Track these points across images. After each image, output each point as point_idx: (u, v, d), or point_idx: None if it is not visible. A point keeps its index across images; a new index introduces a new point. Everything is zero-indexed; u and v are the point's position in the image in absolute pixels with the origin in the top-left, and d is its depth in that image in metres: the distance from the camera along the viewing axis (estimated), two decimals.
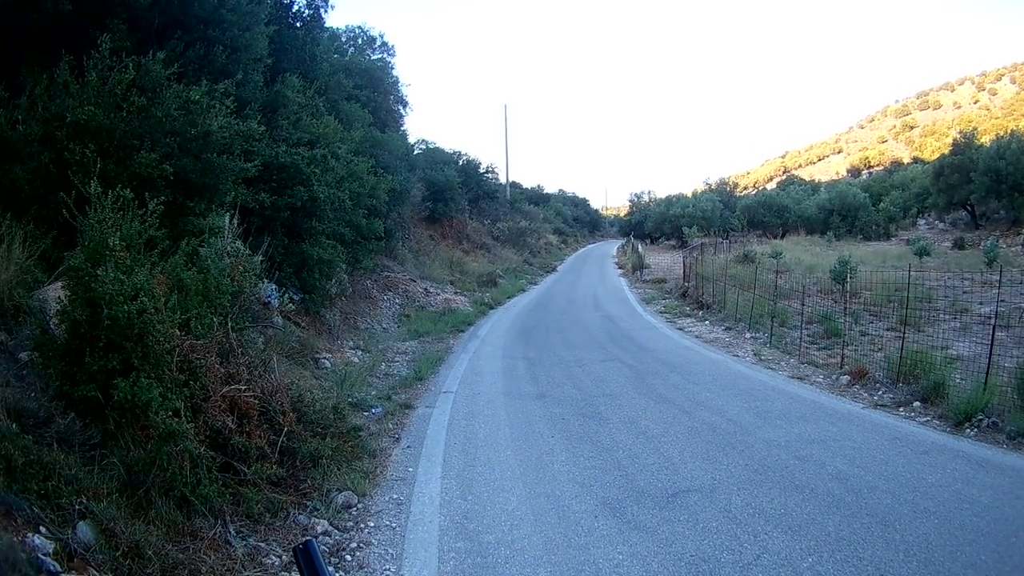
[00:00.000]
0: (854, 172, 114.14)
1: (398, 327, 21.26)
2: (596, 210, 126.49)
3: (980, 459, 8.60)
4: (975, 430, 9.73)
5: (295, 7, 19.25)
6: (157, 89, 9.63)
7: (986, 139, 51.88)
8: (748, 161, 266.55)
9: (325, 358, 13.79)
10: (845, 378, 13.02)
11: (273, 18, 16.34)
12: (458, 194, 40.94)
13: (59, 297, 6.24)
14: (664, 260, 44.77)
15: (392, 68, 35.92)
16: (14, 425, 5.18)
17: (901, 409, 11.08)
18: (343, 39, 33.24)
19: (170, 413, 5.60)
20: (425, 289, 26.82)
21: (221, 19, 12.66)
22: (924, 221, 53.01)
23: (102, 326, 5.66)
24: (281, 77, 15.74)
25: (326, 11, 20.55)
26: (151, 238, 6.92)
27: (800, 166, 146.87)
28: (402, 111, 37.46)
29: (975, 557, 5.92)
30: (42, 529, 4.57)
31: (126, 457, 5.58)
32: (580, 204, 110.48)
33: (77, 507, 4.87)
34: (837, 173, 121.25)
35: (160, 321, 6.04)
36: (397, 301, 24.09)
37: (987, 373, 10.64)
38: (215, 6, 12.55)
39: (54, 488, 4.86)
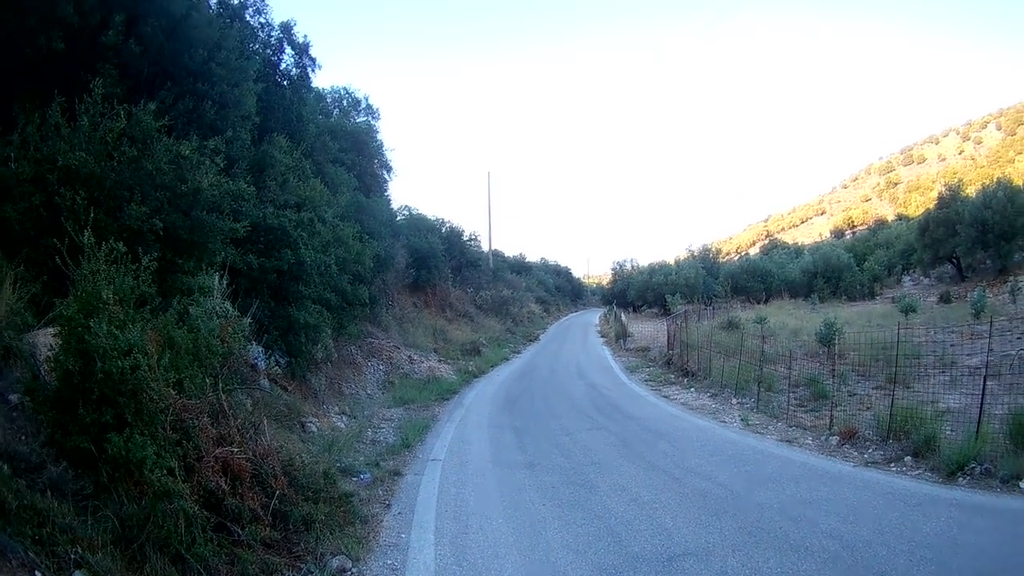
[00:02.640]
0: (838, 233, 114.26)
1: (383, 394, 21.14)
2: (578, 279, 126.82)
3: (974, 505, 8.84)
4: (968, 478, 9.93)
5: (283, 65, 19.40)
6: (148, 141, 9.64)
7: (971, 190, 52.02)
8: (731, 226, 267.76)
9: (311, 422, 13.64)
10: (835, 439, 13.06)
11: (261, 75, 16.46)
12: (441, 262, 40.92)
13: (50, 344, 6.18)
14: (647, 328, 44.74)
15: (377, 132, 35.99)
16: (6, 467, 5.13)
17: (892, 465, 11.15)
18: (328, 100, 33.22)
19: (165, 472, 5.55)
20: (409, 357, 26.68)
21: (211, 73, 12.73)
22: (909, 278, 52.84)
23: (95, 379, 5.59)
24: (268, 136, 15.79)
25: (314, 71, 20.73)
26: (143, 294, 6.84)
27: (783, 229, 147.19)
28: (386, 176, 37.49)
29: None
30: (37, 574, 4.49)
31: (119, 510, 5.48)
32: (562, 273, 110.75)
33: (72, 556, 4.80)
34: (820, 235, 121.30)
35: (154, 379, 5.97)
36: (381, 368, 23.94)
37: (979, 422, 10.80)
38: (205, 59, 12.62)
39: (48, 535, 4.79)
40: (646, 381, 25.37)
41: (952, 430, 11.58)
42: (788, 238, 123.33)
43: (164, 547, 5.50)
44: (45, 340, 6.50)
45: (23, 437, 5.73)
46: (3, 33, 9.51)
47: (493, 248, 71.29)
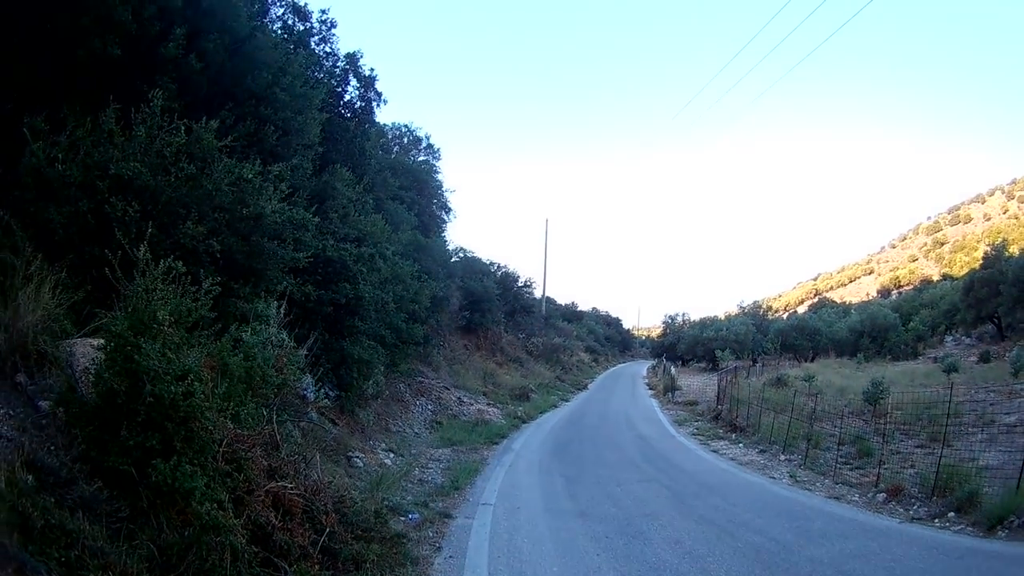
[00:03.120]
0: (884, 292, 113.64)
1: (430, 433, 21.00)
2: (627, 330, 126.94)
3: (1012, 556, 9.34)
4: (1007, 531, 10.21)
5: (347, 96, 19.56)
6: (207, 159, 9.50)
7: (1015, 249, 51.67)
8: (780, 283, 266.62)
9: (358, 457, 13.53)
10: (881, 495, 13.12)
11: (325, 105, 16.46)
12: (495, 305, 41.04)
13: (91, 356, 5.99)
14: (696, 382, 44.45)
15: (437, 172, 36.31)
16: (30, 478, 4.85)
17: (936, 521, 11.35)
18: (389, 136, 33.33)
19: (214, 504, 5.32)
20: (459, 398, 26.58)
21: (274, 97, 12.71)
22: (951, 337, 52.33)
23: (143, 401, 5.35)
24: (330, 167, 15.79)
25: (379, 105, 20.90)
26: (201, 318, 6.67)
27: (831, 288, 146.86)
28: (445, 217, 37.75)
29: None
30: None
31: (158, 538, 5.22)
32: (612, 323, 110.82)
33: None
34: (867, 294, 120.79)
35: (209, 408, 5.76)
36: (429, 407, 23.86)
37: (1020, 477, 11.06)
38: (268, 83, 12.61)
39: (77, 558, 4.52)
40: (694, 435, 25.05)
41: (989, 486, 11.73)
42: (836, 296, 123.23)
43: None
44: (84, 350, 6.32)
45: (52, 448, 5.46)
46: (55, 32, 9.42)
47: (547, 295, 71.47)
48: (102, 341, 5.89)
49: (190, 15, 11.22)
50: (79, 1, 9.48)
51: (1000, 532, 10.07)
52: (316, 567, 6.34)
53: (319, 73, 17.55)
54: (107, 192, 8.35)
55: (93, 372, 5.65)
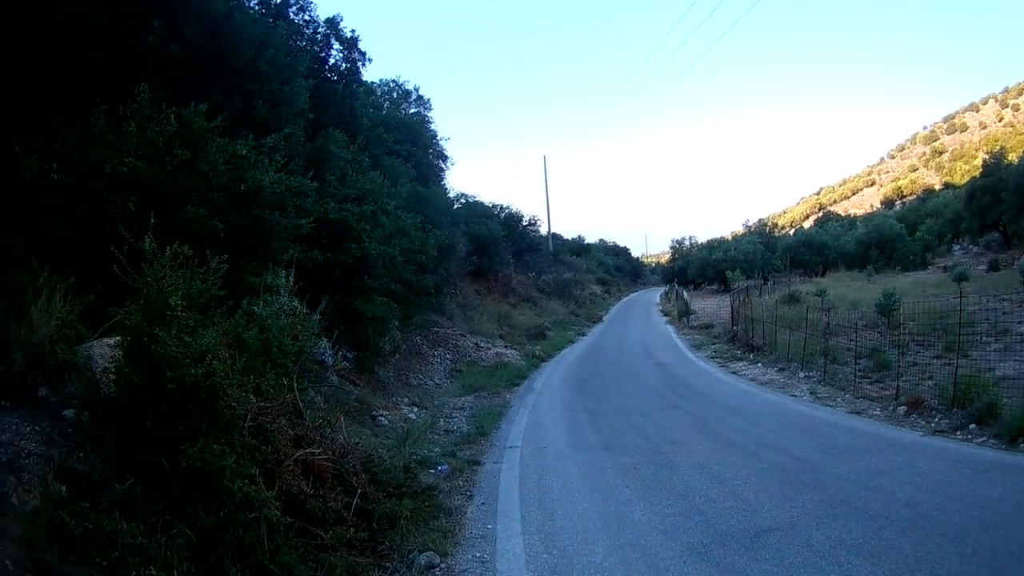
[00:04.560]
0: (888, 203, 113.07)
1: (451, 382, 21.11)
2: (637, 258, 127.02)
3: None
4: None
5: (332, 60, 19.41)
6: (200, 142, 9.51)
7: (1014, 156, 51.38)
8: (785, 200, 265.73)
9: (382, 415, 13.60)
10: (902, 409, 13.05)
11: (311, 72, 16.43)
12: (502, 247, 41.02)
13: (108, 355, 6.05)
14: (709, 305, 44.56)
15: (430, 122, 36.03)
16: (63, 489, 4.94)
17: (958, 433, 11.24)
18: (378, 93, 33.03)
19: (246, 480, 5.42)
20: (475, 344, 26.69)
21: (259, 71, 12.70)
22: (959, 246, 52.20)
23: (165, 390, 5.42)
24: (323, 132, 15.71)
25: (364, 65, 20.67)
26: (212, 297, 6.73)
27: (835, 201, 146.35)
28: (442, 165, 37.54)
29: None
30: None
31: (194, 524, 5.30)
32: (621, 253, 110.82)
33: None
34: (871, 206, 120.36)
35: (231, 384, 5.83)
36: (448, 356, 23.98)
37: None
38: (252, 58, 12.59)
39: (118, 559, 4.60)
40: (712, 358, 25.22)
41: (1009, 397, 11.63)
42: (840, 209, 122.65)
43: (244, 558, 5.35)
44: (102, 351, 6.37)
45: (81, 455, 5.51)
46: (35, 45, 9.41)
47: (552, 231, 71.47)
48: (118, 338, 5.95)
49: (167, 4, 11.19)
50: (53, 14, 9.47)
51: (1022, 444, 10.02)
52: (352, 530, 6.45)
53: (301, 41, 17.46)
54: (104, 191, 8.35)
55: (113, 370, 5.71)
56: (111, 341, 6.28)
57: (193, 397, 5.52)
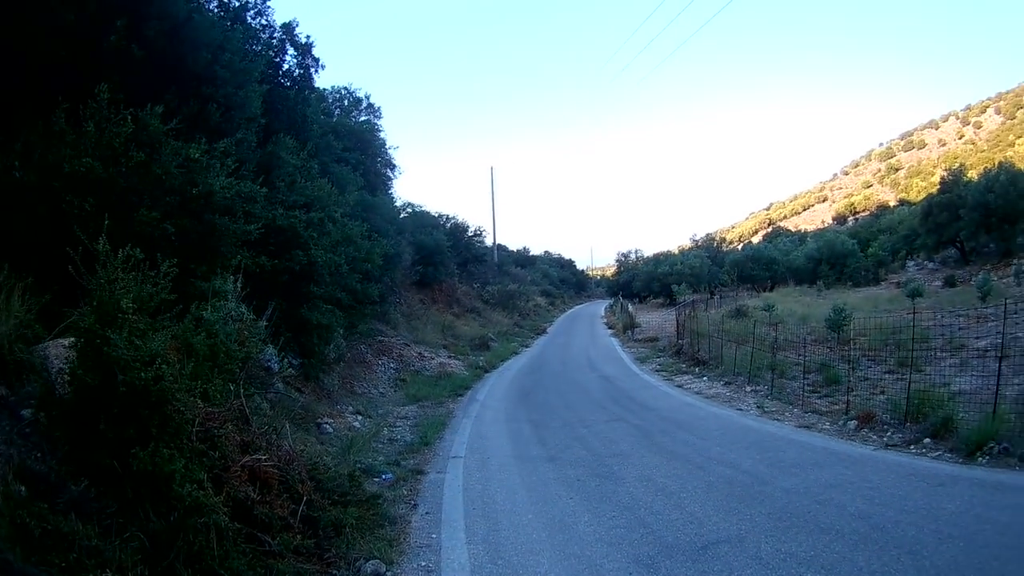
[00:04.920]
0: (840, 219, 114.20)
1: (395, 391, 21.06)
2: (582, 271, 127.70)
3: (996, 483, 8.99)
4: (987, 458, 10.09)
5: (286, 66, 19.39)
6: (156, 145, 9.50)
7: (973, 173, 51.97)
8: (733, 215, 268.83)
9: (327, 423, 13.60)
10: (853, 423, 13.07)
11: (265, 77, 16.36)
12: (447, 258, 41.11)
13: (63, 356, 6.05)
14: (655, 319, 44.71)
15: (380, 130, 36.11)
16: (23, 489, 4.95)
17: (912, 447, 11.21)
18: (330, 100, 33.10)
19: (195, 485, 5.40)
20: (419, 353, 26.67)
21: (215, 76, 12.67)
22: (913, 262, 52.47)
23: (117, 392, 5.40)
24: (274, 137, 15.71)
25: (316, 71, 20.76)
26: (162, 301, 6.70)
27: (785, 217, 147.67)
28: (390, 174, 37.57)
29: (1002, 569, 6.30)
30: None
31: (146, 528, 5.29)
32: (566, 265, 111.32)
33: None
34: (823, 222, 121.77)
35: (179, 389, 5.81)
36: (392, 366, 23.93)
37: (995, 402, 10.91)
38: (209, 61, 12.55)
39: (76, 560, 4.61)
40: (657, 371, 25.27)
41: (965, 411, 11.62)
42: (790, 225, 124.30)
43: (195, 563, 5.34)
44: (57, 351, 6.35)
45: (39, 455, 5.51)
46: (2, 42, 9.37)
47: (497, 242, 71.65)
48: (73, 339, 5.91)
49: (130, 4, 11.14)
50: (23, 10, 9.42)
51: (980, 458, 10.04)
52: (299, 537, 6.43)
53: (257, 46, 17.40)
54: (63, 191, 8.33)
55: (67, 371, 5.68)
56: (66, 342, 6.25)
57: (143, 400, 5.50)
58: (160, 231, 8.83)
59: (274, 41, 18.84)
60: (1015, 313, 18.63)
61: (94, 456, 5.37)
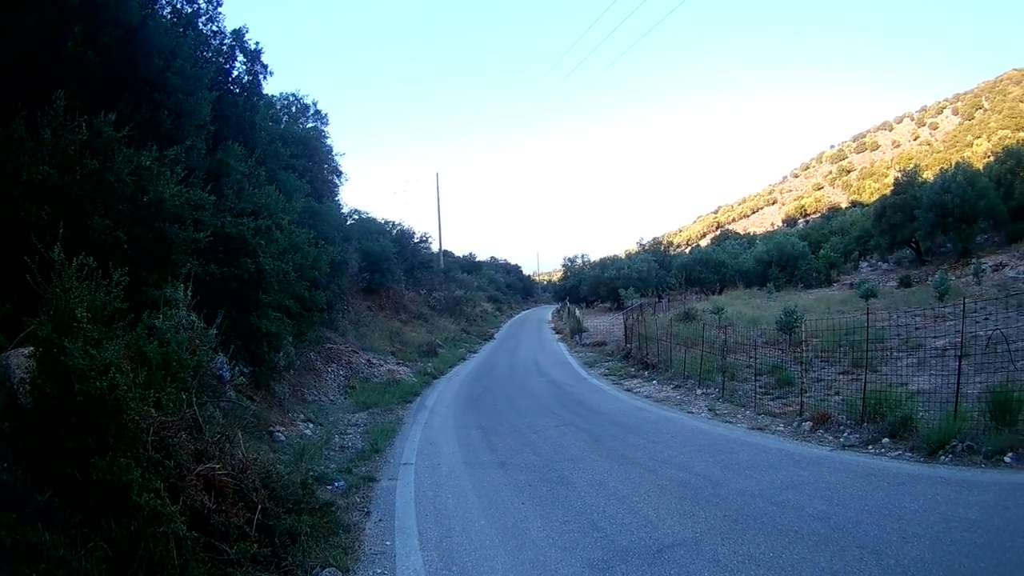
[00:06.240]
0: (790, 222, 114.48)
1: (344, 399, 20.96)
2: (528, 276, 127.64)
3: (960, 481, 9.00)
4: (950, 456, 10.04)
5: (235, 72, 19.21)
6: (109, 152, 9.49)
7: (929, 174, 52.36)
8: (681, 218, 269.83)
9: (279, 431, 13.56)
10: (807, 424, 13.08)
11: (215, 83, 16.30)
12: (394, 264, 40.96)
13: (24, 365, 6.02)
14: (602, 323, 44.96)
15: (326, 137, 35.78)
16: None
17: (870, 447, 11.21)
18: (277, 106, 32.73)
19: (152, 494, 5.40)
20: (368, 360, 26.57)
21: (166, 82, 12.62)
22: (867, 263, 52.63)
23: (75, 402, 5.40)
24: (223, 144, 15.65)
25: (265, 78, 20.57)
26: (114, 311, 6.69)
27: (734, 220, 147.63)
28: (337, 181, 37.26)
29: (973, 566, 6.27)
30: None
31: (109, 537, 5.29)
32: (512, 271, 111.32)
33: None
34: (772, 224, 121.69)
35: (133, 398, 5.80)
36: (341, 373, 23.80)
37: (956, 400, 10.94)
38: (160, 68, 12.50)
39: (45, 571, 4.62)
40: (606, 375, 25.34)
41: (925, 411, 11.66)
42: (739, 228, 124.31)
43: (157, 572, 5.34)
44: (18, 361, 6.32)
45: (5, 465, 5.48)
46: None
47: (444, 248, 71.61)
48: (32, 348, 5.90)
49: (87, 10, 11.08)
50: None
51: (943, 457, 10.00)
52: (255, 545, 6.46)
53: (207, 52, 17.30)
54: (21, 199, 8.30)
55: (28, 381, 5.67)
56: (26, 351, 6.21)
57: (100, 410, 5.51)
58: (113, 239, 8.80)
59: (224, 47, 18.70)
60: (975, 312, 18.91)
61: (56, 466, 5.37)
